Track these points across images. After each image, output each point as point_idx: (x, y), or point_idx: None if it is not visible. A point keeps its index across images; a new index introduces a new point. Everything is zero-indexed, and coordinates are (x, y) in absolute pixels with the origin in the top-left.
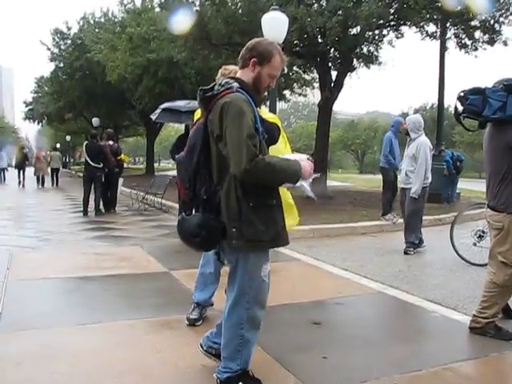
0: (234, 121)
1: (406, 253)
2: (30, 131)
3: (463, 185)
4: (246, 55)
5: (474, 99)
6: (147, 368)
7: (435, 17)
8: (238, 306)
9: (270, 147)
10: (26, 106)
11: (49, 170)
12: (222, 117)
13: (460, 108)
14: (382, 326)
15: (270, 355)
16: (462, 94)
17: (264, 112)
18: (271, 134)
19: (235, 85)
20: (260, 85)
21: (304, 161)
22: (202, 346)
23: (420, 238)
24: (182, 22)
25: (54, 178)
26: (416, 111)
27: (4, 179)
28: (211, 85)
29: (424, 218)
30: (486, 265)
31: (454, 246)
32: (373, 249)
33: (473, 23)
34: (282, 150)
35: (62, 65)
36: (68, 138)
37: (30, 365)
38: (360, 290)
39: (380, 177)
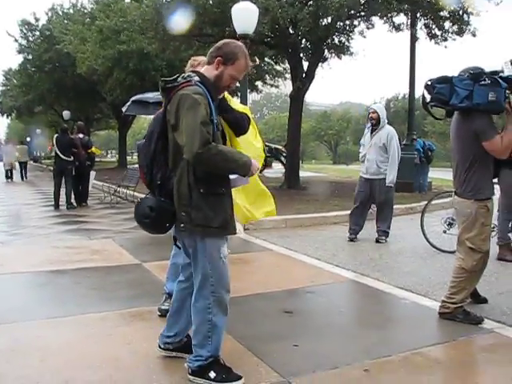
0: (189, 110)
1: (378, 241)
2: None
3: (435, 174)
4: (213, 53)
5: (442, 88)
6: (119, 360)
7: (405, 7)
8: (204, 289)
9: (239, 137)
10: None
11: (16, 163)
12: (179, 107)
13: (428, 97)
14: (353, 314)
15: (242, 344)
16: (429, 83)
17: (234, 103)
18: (241, 123)
19: (196, 78)
20: (220, 83)
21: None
22: (159, 346)
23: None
24: (151, 12)
25: (23, 172)
26: (388, 101)
27: None
28: (174, 76)
29: (396, 206)
30: (455, 252)
31: (424, 234)
32: (345, 238)
33: (442, 14)
34: (251, 140)
35: (30, 57)
36: (38, 131)
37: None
38: (332, 279)
39: (352, 167)
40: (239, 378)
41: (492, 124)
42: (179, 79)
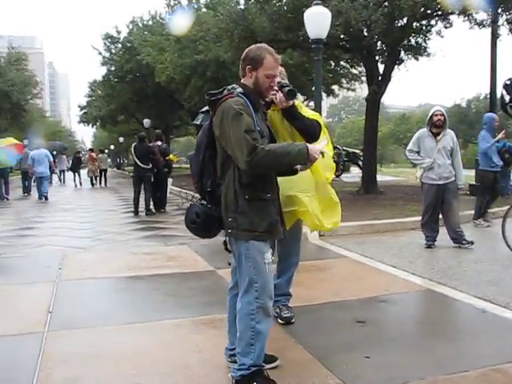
0: (232, 121)
1: (460, 246)
2: (85, 134)
3: None
4: (242, 65)
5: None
6: (188, 368)
7: (485, 3)
8: (248, 294)
9: (312, 143)
10: (81, 110)
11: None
12: (223, 119)
13: (507, 97)
14: (428, 325)
15: (312, 354)
16: (508, 83)
17: (305, 110)
18: (311, 130)
19: (238, 90)
20: (260, 87)
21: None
22: (227, 358)
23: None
24: (225, 21)
25: (103, 178)
26: (469, 102)
27: (64, 180)
28: (221, 89)
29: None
30: None
31: (506, 241)
32: (421, 244)
33: None
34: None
35: (113, 68)
36: (121, 139)
37: (77, 363)
38: (407, 287)
39: None
40: None
41: None
42: (225, 92)
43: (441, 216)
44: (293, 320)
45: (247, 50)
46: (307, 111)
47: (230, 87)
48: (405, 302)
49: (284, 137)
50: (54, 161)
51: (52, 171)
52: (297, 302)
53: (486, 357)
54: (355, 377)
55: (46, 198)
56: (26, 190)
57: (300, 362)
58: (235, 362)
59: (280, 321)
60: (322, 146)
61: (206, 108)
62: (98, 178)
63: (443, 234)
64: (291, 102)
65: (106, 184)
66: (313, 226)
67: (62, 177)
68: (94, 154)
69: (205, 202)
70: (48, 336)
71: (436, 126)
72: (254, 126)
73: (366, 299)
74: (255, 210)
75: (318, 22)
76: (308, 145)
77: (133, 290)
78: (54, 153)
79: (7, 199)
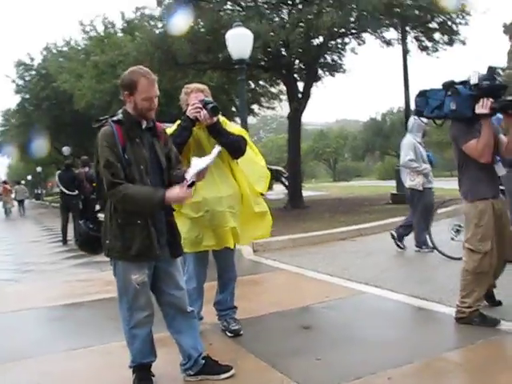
0: (99, 152)
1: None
2: None
3: (436, 184)
4: (120, 92)
5: (419, 101)
6: None
7: (394, 21)
8: (121, 304)
9: (239, 159)
10: None
11: (15, 202)
12: (96, 148)
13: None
14: (371, 325)
15: (265, 362)
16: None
17: (230, 126)
18: (236, 146)
19: (115, 118)
20: (140, 111)
21: (174, 192)
22: (182, 373)
23: None
24: (145, 44)
25: (21, 208)
26: (383, 115)
27: None
28: (107, 116)
29: (401, 218)
30: None
31: (433, 243)
32: (354, 252)
33: (431, 25)
34: (253, 158)
35: (28, 96)
36: (39, 169)
37: None
38: (345, 293)
39: (353, 183)
40: None
41: (466, 129)
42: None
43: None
44: (241, 332)
45: (122, 76)
46: (232, 126)
47: (117, 112)
48: (345, 306)
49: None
50: None
51: None
52: (241, 315)
53: (429, 348)
54: (310, 377)
55: None
56: None
57: (254, 370)
58: (191, 374)
59: (229, 333)
60: (197, 164)
61: None
62: (11, 210)
63: (373, 242)
64: (215, 119)
65: (24, 213)
66: (235, 241)
67: None
68: (7, 186)
69: (92, 221)
70: None
71: (423, 134)
72: (114, 159)
73: (307, 307)
74: (125, 234)
75: (240, 43)
76: (167, 196)
77: (73, 317)
78: None
79: None
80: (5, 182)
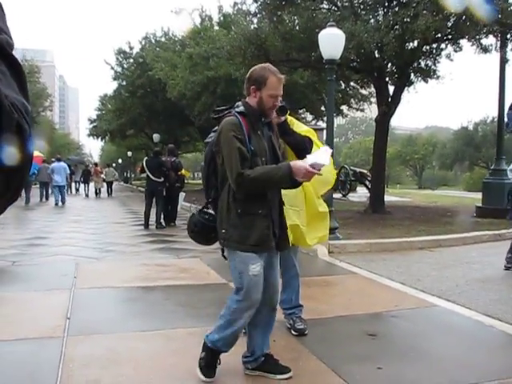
0: (224, 141)
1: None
2: (93, 147)
3: None
4: (247, 85)
5: (509, 114)
6: None
7: (495, 28)
8: (236, 295)
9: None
10: (91, 123)
11: (104, 184)
12: (219, 136)
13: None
14: (438, 339)
15: (326, 364)
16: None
17: (298, 125)
18: (301, 146)
19: (238, 109)
20: (264, 107)
21: (298, 163)
22: (243, 365)
23: None
24: (239, 39)
25: (109, 190)
26: (476, 125)
27: (78, 190)
28: (227, 106)
29: (483, 233)
30: None
31: None
32: (430, 263)
33: None
34: None
35: (124, 83)
36: (129, 153)
37: (96, 367)
38: (416, 304)
39: (438, 192)
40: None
41: None
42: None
43: None
44: (306, 332)
45: (251, 70)
46: (300, 126)
47: (235, 105)
48: (414, 318)
49: None
50: (73, 173)
51: (68, 182)
52: (309, 315)
53: (495, 370)
54: None
55: (64, 203)
56: (45, 197)
57: (315, 372)
58: (250, 368)
59: (294, 332)
60: (319, 156)
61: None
62: (101, 190)
63: (452, 255)
64: (283, 118)
65: (111, 194)
66: (295, 239)
67: (77, 186)
68: (98, 168)
69: (206, 211)
70: (67, 341)
71: None
72: (243, 149)
73: (376, 314)
74: (245, 223)
75: (332, 43)
76: (293, 165)
77: (146, 300)
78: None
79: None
80: (96, 165)
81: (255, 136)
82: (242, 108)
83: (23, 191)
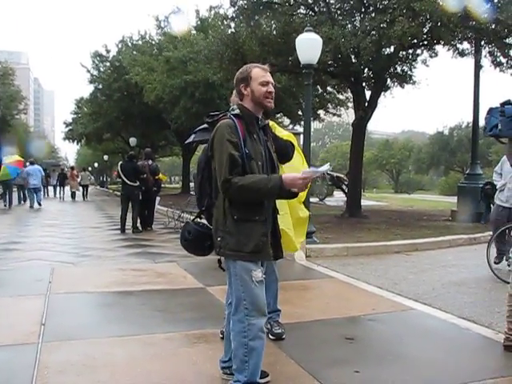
0: (217, 145)
1: None
2: (68, 151)
3: None
4: (237, 89)
5: (486, 118)
6: (184, 379)
7: (469, 35)
8: (239, 312)
9: (285, 164)
10: (66, 127)
11: (80, 187)
12: (213, 139)
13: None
14: (415, 343)
15: (303, 368)
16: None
17: (279, 130)
18: (284, 151)
19: (233, 112)
20: (258, 98)
21: (291, 175)
22: (220, 370)
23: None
24: (216, 43)
25: (84, 193)
26: (451, 130)
27: (54, 193)
28: (222, 111)
29: (459, 236)
30: None
31: (489, 265)
32: (407, 267)
33: (507, 41)
34: (298, 167)
35: (100, 86)
36: (106, 157)
37: (72, 373)
38: (393, 307)
39: (414, 196)
40: None
41: None
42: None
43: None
44: (284, 336)
45: (237, 73)
46: (281, 131)
47: (231, 108)
48: (392, 321)
49: None
50: (48, 176)
51: (44, 185)
52: (286, 320)
53: (471, 373)
54: None
55: (40, 205)
56: (23, 199)
57: (292, 376)
58: (228, 373)
59: (271, 336)
60: (312, 170)
61: (199, 127)
62: (76, 193)
63: (428, 258)
64: (265, 122)
65: (87, 197)
66: (284, 245)
67: (54, 191)
68: (74, 172)
69: (199, 220)
70: (42, 347)
71: None
72: (236, 154)
73: (353, 317)
74: (242, 230)
75: (309, 47)
76: (284, 177)
77: (122, 305)
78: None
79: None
80: (72, 168)
81: (251, 139)
82: (237, 111)
83: (6, 195)
